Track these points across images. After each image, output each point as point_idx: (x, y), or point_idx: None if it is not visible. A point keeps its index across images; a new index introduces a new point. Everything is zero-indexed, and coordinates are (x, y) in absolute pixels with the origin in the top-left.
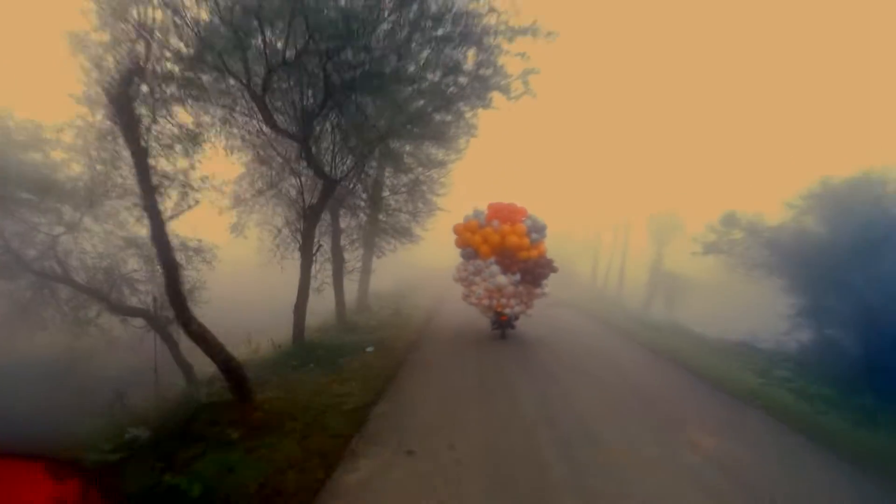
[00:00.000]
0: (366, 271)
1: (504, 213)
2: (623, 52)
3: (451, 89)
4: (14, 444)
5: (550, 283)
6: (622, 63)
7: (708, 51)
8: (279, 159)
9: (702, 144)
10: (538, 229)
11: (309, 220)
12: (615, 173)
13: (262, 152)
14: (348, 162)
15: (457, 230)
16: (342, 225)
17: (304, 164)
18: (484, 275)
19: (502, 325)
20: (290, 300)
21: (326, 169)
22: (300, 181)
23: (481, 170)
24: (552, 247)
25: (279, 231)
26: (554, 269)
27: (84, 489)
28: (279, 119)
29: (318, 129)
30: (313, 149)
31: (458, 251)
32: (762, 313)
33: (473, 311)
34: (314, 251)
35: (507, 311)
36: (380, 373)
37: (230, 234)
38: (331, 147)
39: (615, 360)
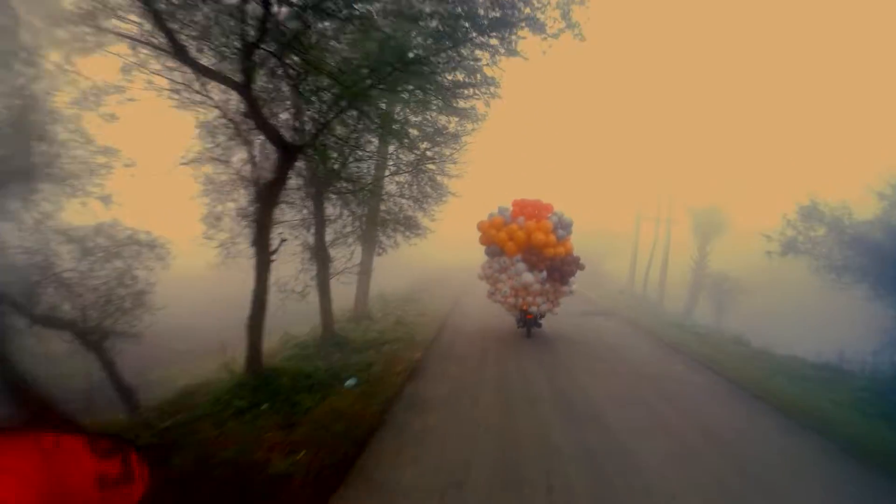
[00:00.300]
0: (364, 272)
1: (529, 210)
2: (667, 30)
3: (458, 23)
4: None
5: (583, 285)
6: (663, 40)
7: (760, 30)
8: (222, 118)
9: (750, 131)
10: (564, 226)
11: (265, 203)
12: (653, 162)
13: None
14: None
15: (481, 227)
16: (331, 214)
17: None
18: (509, 272)
19: (528, 323)
20: (273, 301)
21: (287, 132)
22: (250, 149)
23: (503, 164)
24: (582, 244)
25: (217, 219)
26: (581, 267)
27: (128, 465)
28: (212, 57)
29: (265, 71)
30: (265, 103)
31: (481, 248)
32: (828, 320)
33: (492, 312)
34: (274, 248)
35: (533, 309)
36: (351, 429)
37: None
38: (293, 100)
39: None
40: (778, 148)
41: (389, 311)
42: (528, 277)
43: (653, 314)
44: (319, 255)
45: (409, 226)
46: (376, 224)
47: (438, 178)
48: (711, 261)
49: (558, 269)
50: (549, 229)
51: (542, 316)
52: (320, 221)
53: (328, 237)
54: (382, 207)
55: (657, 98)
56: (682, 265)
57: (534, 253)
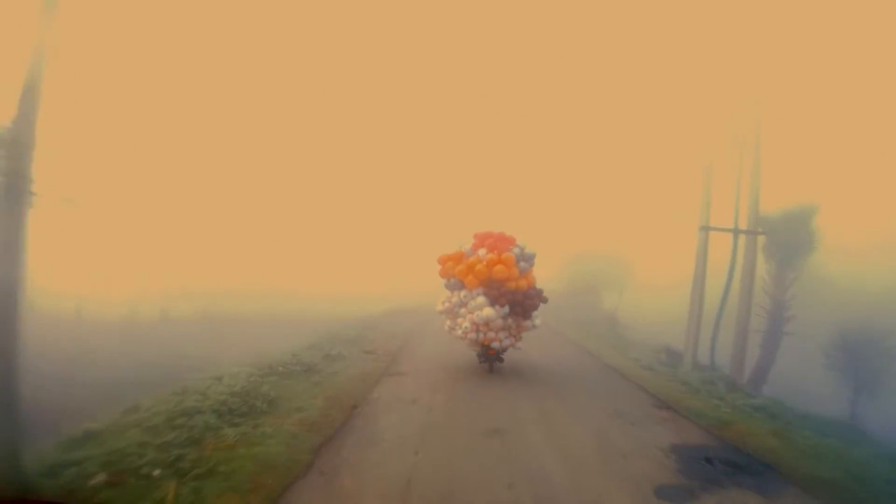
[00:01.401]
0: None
1: (490, 242)
2: None
3: None
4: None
5: (602, 343)
6: None
7: None
8: None
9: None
10: (526, 258)
11: None
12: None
13: None
14: None
15: (440, 260)
16: None
17: None
18: (470, 307)
19: (489, 358)
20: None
21: None
22: None
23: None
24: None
25: None
26: (544, 300)
27: None
28: None
29: None
30: None
31: (441, 282)
32: None
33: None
34: None
35: (496, 345)
36: None
37: None
38: None
39: None
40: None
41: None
42: (490, 312)
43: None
44: None
45: None
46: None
47: None
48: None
49: (520, 303)
50: (511, 262)
51: (503, 351)
52: None
53: None
54: None
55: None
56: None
57: (495, 286)
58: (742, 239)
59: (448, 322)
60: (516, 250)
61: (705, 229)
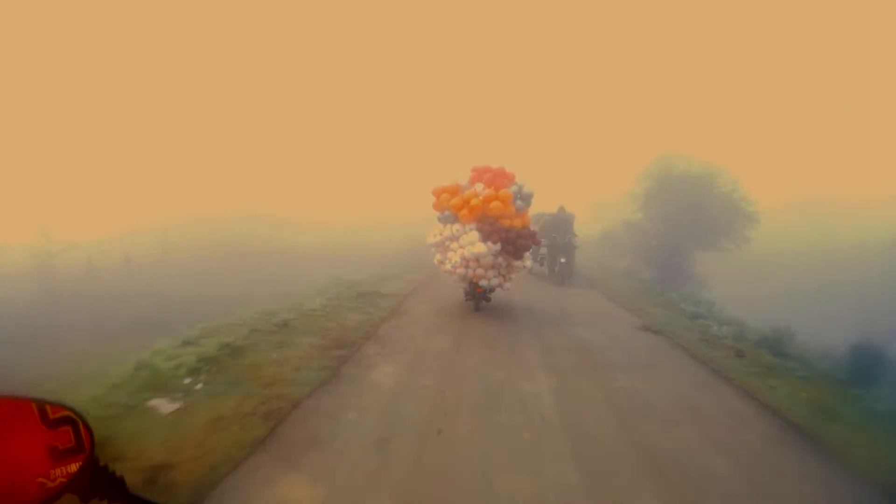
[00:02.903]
0: None
1: (489, 177)
2: None
3: None
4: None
5: None
6: None
7: None
8: None
9: None
10: (524, 197)
11: None
12: None
13: None
14: None
15: (435, 192)
16: None
17: None
18: (461, 241)
19: (476, 297)
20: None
21: None
22: None
23: None
24: None
25: None
26: (536, 242)
27: (77, 433)
28: None
29: None
30: None
31: (435, 216)
32: None
33: None
34: None
35: (483, 283)
36: None
37: None
38: None
39: None
40: None
41: None
42: (482, 248)
43: None
44: None
45: None
46: None
47: None
48: None
49: (513, 241)
50: (508, 199)
51: (491, 290)
52: None
53: None
54: None
55: None
56: None
57: (489, 222)
58: None
59: (438, 255)
60: (514, 188)
61: None
